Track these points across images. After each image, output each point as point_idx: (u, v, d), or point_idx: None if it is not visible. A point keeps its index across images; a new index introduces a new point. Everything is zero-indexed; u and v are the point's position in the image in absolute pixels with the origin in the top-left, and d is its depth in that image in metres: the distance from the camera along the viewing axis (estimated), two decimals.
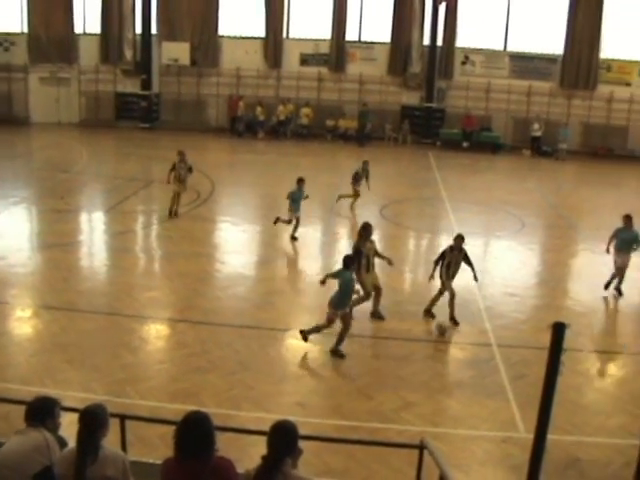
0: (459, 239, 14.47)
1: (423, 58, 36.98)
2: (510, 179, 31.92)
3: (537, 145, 36.87)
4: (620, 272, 16.32)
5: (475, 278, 14.63)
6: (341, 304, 12.67)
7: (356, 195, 22.86)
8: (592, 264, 19.44)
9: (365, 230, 14.21)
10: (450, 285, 14.26)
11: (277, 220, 19.44)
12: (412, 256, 20.16)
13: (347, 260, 12.86)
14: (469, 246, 19.70)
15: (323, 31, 37.54)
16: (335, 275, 13.00)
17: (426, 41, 36.95)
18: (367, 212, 21.90)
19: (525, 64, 37.59)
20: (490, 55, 37.58)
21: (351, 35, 37.75)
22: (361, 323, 13.94)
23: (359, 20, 37.67)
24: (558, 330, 5.94)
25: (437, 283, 14.58)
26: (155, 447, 8.73)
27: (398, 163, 32.73)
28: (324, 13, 37.23)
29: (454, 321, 14.18)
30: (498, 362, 12.80)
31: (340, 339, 12.67)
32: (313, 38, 37.97)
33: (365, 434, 9.97)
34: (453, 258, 14.36)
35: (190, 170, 21.02)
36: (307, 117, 37.06)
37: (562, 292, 17.16)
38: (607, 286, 16.46)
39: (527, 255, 20.06)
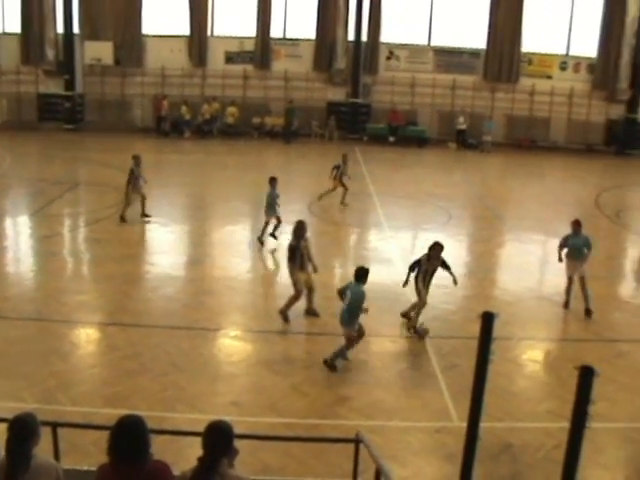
0: (439, 248, 13.88)
1: (348, 54, 37.14)
2: (436, 172, 32.32)
3: (462, 138, 37.40)
4: (571, 281, 15.41)
5: (454, 282, 14.14)
6: (352, 320, 12.25)
7: (334, 188, 23.22)
8: (519, 254, 19.86)
9: (300, 228, 14.15)
10: (425, 295, 13.90)
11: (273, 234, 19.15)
12: (342, 251, 20.26)
13: (359, 272, 12.21)
14: (397, 240, 20.10)
15: (248, 28, 37.41)
16: (345, 291, 12.32)
17: (351, 37, 37.09)
18: (295, 209, 21.94)
19: (449, 58, 38.08)
20: (414, 50, 37.96)
21: (276, 32, 37.70)
22: (293, 320, 13.98)
23: (284, 17, 37.64)
24: (487, 320, 6.06)
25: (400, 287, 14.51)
26: (89, 454, 8.61)
27: (325, 159, 32.66)
28: (249, 10, 37.09)
29: (414, 330, 13.81)
30: (429, 353, 12.97)
31: (339, 353, 12.25)
32: (238, 36, 37.80)
33: (301, 430, 10.01)
34: (430, 267, 13.92)
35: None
36: (232, 116, 36.90)
37: (490, 282, 17.46)
38: (566, 305, 15.54)
39: (455, 246, 20.31)
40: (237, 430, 5.48)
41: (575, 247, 15.33)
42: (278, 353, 12.70)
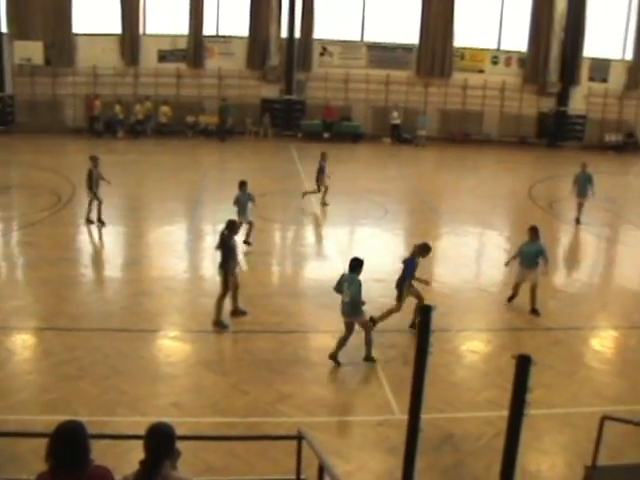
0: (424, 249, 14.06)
1: (281, 51, 37.06)
2: (372, 167, 32.50)
3: (397, 133, 37.65)
4: (517, 288, 15.41)
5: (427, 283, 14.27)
6: (357, 310, 12.33)
7: (325, 188, 23.22)
8: (455, 246, 20.09)
9: (234, 226, 14.09)
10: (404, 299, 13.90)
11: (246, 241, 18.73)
12: (279, 249, 20.26)
13: (356, 263, 12.37)
14: (334, 235, 20.16)
15: (180, 26, 37.03)
16: (342, 283, 12.41)
17: (284, 34, 37.02)
18: (230, 206, 21.85)
19: (382, 54, 38.26)
20: (348, 46, 38.07)
21: (209, 30, 37.37)
22: (233, 319, 13.94)
23: (216, 14, 37.33)
24: (425, 312, 6.10)
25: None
26: (27, 463, 8.42)
27: (260, 157, 32.73)
28: (181, 8, 36.69)
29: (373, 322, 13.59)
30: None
31: (369, 345, 12.38)
32: (170, 34, 37.41)
33: (243, 429, 9.99)
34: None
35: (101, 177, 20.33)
36: (165, 115, 36.49)
37: (428, 275, 17.52)
38: (510, 299, 15.56)
39: (392, 241, 20.48)
40: (179, 431, 5.44)
41: (527, 254, 15.15)
42: (217, 352, 12.67)
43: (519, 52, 39.28)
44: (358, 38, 38.21)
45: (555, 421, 11.06)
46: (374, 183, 27.17)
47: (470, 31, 38.33)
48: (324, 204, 23.15)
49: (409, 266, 13.83)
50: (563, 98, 39.45)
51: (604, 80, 40.15)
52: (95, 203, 20.21)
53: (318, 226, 20.89)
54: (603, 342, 14.59)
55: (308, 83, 37.86)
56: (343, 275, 12.54)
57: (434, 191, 27.51)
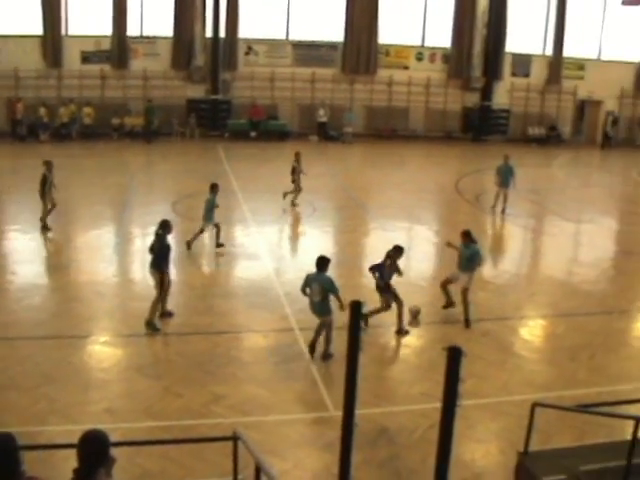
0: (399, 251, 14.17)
1: (206, 51, 36.79)
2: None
3: (323, 130, 37.75)
4: (447, 282, 15.06)
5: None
6: (326, 308, 12.35)
7: (299, 189, 23.26)
8: (384, 242, 20.14)
9: (167, 226, 13.96)
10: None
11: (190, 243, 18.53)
12: (209, 250, 20.10)
13: (322, 261, 12.49)
14: (263, 234, 20.13)
15: (104, 27, 36.38)
16: (310, 283, 12.48)
17: (209, 33, 36.75)
18: (159, 209, 21.66)
19: (307, 52, 38.31)
20: (273, 45, 38.01)
21: (133, 30, 36.80)
22: (162, 321, 13.83)
23: (140, 15, 36.81)
24: (355, 308, 6.14)
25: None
26: None
27: (187, 157, 32.46)
28: (104, 8, 36.05)
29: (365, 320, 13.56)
30: (301, 345, 13.06)
31: (328, 344, 12.45)
32: (94, 35, 36.75)
33: (178, 432, 9.90)
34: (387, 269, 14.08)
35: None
36: (89, 116, 35.86)
37: (357, 271, 17.68)
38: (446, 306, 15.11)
39: (321, 238, 20.55)
40: (113, 437, 5.37)
41: (463, 258, 14.75)
42: (149, 356, 12.53)
43: (443, 48, 39.81)
44: (283, 37, 38.19)
45: (487, 410, 11.24)
46: (302, 181, 27.13)
47: (394, 28, 38.67)
48: (294, 204, 23.29)
49: (381, 272, 13.92)
50: (487, 93, 40.13)
51: (526, 75, 41.02)
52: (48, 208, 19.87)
53: (247, 226, 20.81)
54: (532, 331, 14.89)
55: (234, 82, 37.68)
56: (308, 275, 12.61)
57: (362, 187, 27.65)
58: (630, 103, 42.46)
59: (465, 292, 14.56)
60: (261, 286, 15.94)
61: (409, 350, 13.51)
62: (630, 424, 7.05)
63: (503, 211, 23.16)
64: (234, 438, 7.88)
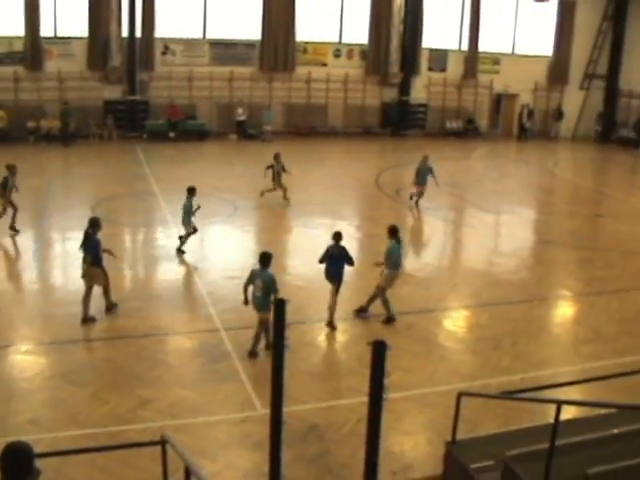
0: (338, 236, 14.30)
1: (123, 51, 36.21)
2: (219, 165, 32.30)
3: (243, 129, 37.58)
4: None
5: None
6: (268, 305, 12.16)
7: (275, 189, 23.45)
8: (306, 239, 20.32)
9: (97, 224, 14.08)
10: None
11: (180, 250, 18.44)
12: (130, 253, 19.87)
13: (266, 257, 12.65)
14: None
15: (16, 28, 35.39)
16: (254, 278, 12.60)
17: (124, 33, 36.16)
18: (78, 214, 21.29)
19: (225, 51, 38.04)
20: (190, 44, 37.62)
21: (46, 31, 35.87)
22: (86, 327, 13.61)
23: (54, 15, 35.90)
24: (279, 306, 6.15)
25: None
26: None
27: (105, 160, 31.95)
28: (15, 8, 35.07)
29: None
30: (227, 345, 13.02)
31: (256, 340, 12.58)
32: (5, 36, 35.71)
33: (105, 440, 9.74)
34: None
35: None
36: (2, 120, 34.89)
37: (281, 269, 17.66)
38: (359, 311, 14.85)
39: (243, 237, 20.48)
40: (38, 448, 5.27)
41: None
42: (73, 363, 12.29)
43: (360, 45, 40.03)
44: (200, 36, 37.86)
45: (414, 402, 11.38)
46: (222, 181, 27.03)
47: (312, 25, 38.77)
48: (286, 198, 23.86)
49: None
50: (404, 88, 40.53)
51: (443, 70, 41.64)
52: (10, 212, 19.64)
53: (168, 227, 20.59)
54: (455, 322, 15.13)
55: (151, 83, 37.19)
56: (253, 271, 12.71)
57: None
58: (544, 96, 43.52)
59: (379, 290, 14.41)
60: (184, 287, 15.84)
61: (335, 346, 13.58)
62: (552, 408, 7.21)
63: (417, 203, 23.69)
64: (162, 442, 7.79)
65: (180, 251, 18.38)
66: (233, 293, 15.45)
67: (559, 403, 7.12)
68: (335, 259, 14.01)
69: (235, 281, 16.05)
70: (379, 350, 5.41)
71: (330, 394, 11.54)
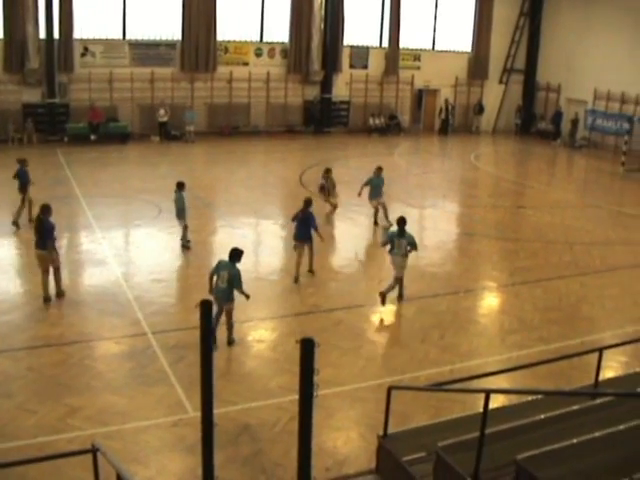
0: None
1: (41, 52, 35.46)
2: (142, 167, 31.88)
3: (165, 130, 37.21)
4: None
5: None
6: (232, 296, 13.09)
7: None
8: (232, 239, 20.16)
9: (48, 210, 15.05)
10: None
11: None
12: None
13: (235, 253, 13.16)
14: (109, 240, 19.68)
15: None
16: (219, 269, 13.11)
17: (42, 34, 35.40)
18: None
19: (145, 51, 37.57)
20: (110, 45, 37.00)
21: None
22: (10, 336, 13.32)
23: None
24: (205, 308, 6.12)
25: None
26: None
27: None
28: None
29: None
30: (156, 349, 12.92)
31: (230, 330, 13.17)
32: None
33: (34, 451, 9.55)
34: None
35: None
36: None
37: (207, 270, 17.56)
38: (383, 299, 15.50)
39: (168, 240, 20.28)
40: None
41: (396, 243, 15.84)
42: None
43: (282, 43, 40.00)
44: (120, 36, 37.33)
45: (346, 397, 11.45)
46: (145, 183, 26.73)
47: (232, 25, 38.61)
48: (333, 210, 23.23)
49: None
50: (326, 85, 40.64)
51: (364, 67, 41.86)
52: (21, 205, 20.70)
53: (92, 231, 20.27)
54: (383, 317, 15.27)
55: (71, 85, 36.53)
56: (220, 261, 13.22)
57: (207, 186, 27.45)
58: (465, 91, 44.18)
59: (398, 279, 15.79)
60: (110, 292, 15.61)
61: (264, 345, 13.57)
62: (481, 397, 7.33)
63: (390, 222, 21.50)
64: (93, 450, 7.70)
65: (185, 246, 19.18)
66: (160, 295, 15.39)
67: (487, 392, 7.25)
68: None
69: (161, 284, 15.98)
70: (307, 347, 5.43)
71: (261, 393, 11.53)
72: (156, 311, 14.57)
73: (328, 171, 23.07)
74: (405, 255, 15.67)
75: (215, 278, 13.12)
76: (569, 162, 38.80)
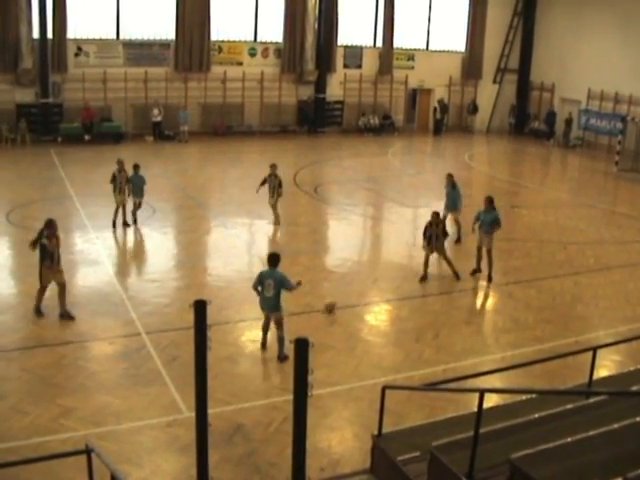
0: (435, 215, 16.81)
1: (34, 52, 35.38)
2: None
3: (159, 130, 37.17)
4: (480, 253, 17.54)
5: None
6: (277, 306, 12.71)
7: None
8: (225, 239, 20.27)
9: (50, 226, 14.25)
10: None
11: None
12: None
13: (274, 258, 12.75)
14: (102, 240, 19.66)
15: None
16: (263, 279, 12.67)
17: (36, 34, 35.34)
18: None
19: (139, 51, 37.53)
20: (103, 45, 36.94)
21: None
22: (0, 337, 13.28)
23: None
24: (199, 308, 6.11)
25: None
26: None
27: (19, 165, 31.20)
28: None
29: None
30: (149, 349, 12.90)
31: (281, 344, 12.66)
32: None
33: (28, 452, 9.52)
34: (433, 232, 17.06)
35: (128, 181, 20.45)
36: None
37: (201, 270, 17.61)
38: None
39: (162, 239, 20.27)
40: None
41: (485, 222, 17.35)
42: None
43: (275, 43, 40.00)
44: (114, 36, 37.28)
45: (340, 397, 11.45)
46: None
47: (226, 24, 38.61)
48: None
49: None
50: (320, 85, 40.64)
51: (358, 66, 41.87)
52: (129, 206, 20.97)
53: (86, 232, 20.23)
54: (377, 316, 15.28)
55: (64, 85, 36.46)
56: (262, 272, 12.81)
57: (200, 186, 27.45)
58: (459, 91, 44.22)
59: (490, 252, 17.29)
60: (104, 292, 15.58)
61: (258, 344, 13.52)
62: (475, 396, 7.33)
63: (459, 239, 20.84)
64: (87, 451, 7.67)
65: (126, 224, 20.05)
66: (154, 296, 15.36)
67: (482, 392, 7.25)
68: None
69: (155, 284, 15.95)
70: (302, 347, 5.42)
71: (255, 393, 11.52)
72: (150, 311, 14.55)
73: (273, 166, 21.80)
74: (489, 232, 17.13)
75: (260, 289, 12.78)
76: (563, 162, 38.86)
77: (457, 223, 20.63)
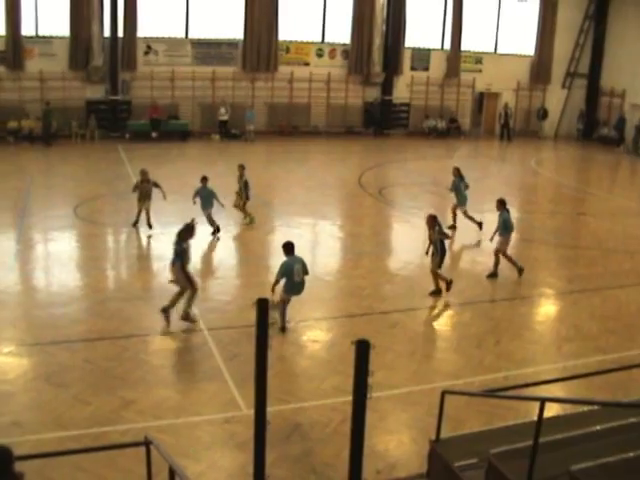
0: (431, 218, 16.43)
1: (105, 50, 36.02)
2: (201, 165, 31.97)
3: (225, 129, 37.52)
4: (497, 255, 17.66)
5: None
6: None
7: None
8: (288, 238, 20.16)
9: (188, 231, 14.24)
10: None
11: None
12: (112, 253, 19.79)
13: (290, 246, 13.68)
14: (167, 235, 19.74)
15: None
16: (291, 266, 13.47)
17: (107, 33, 35.97)
18: (60, 213, 21.25)
19: (207, 50, 37.97)
20: (172, 43, 37.50)
21: (27, 30, 35.53)
22: (65, 327, 13.52)
23: (35, 14, 35.54)
24: (262, 306, 6.13)
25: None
26: None
27: (88, 160, 31.80)
28: None
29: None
30: (211, 346, 12.98)
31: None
32: None
33: (88, 441, 9.68)
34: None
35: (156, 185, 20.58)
36: None
37: (263, 269, 17.64)
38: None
39: (225, 237, 20.40)
40: (22, 450, 5.24)
41: (500, 224, 17.60)
42: (56, 364, 12.21)
43: (343, 44, 40.07)
44: (183, 35, 37.76)
45: (398, 401, 11.38)
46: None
47: (294, 25, 38.80)
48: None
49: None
50: (387, 87, 40.62)
51: (425, 69, 41.73)
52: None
53: (150, 228, 20.47)
54: (438, 320, 15.18)
55: (133, 82, 37.08)
56: (286, 262, 13.55)
57: (265, 185, 27.54)
58: (526, 95, 43.71)
59: (497, 253, 17.49)
60: (167, 287, 15.73)
61: (318, 345, 13.55)
62: (536, 405, 7.22)
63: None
64: (146, 443, 7.76)
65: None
66: (216, 292, 15.48)
67: (543, 401, 7.14)
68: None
69: (218, 281, 16.04)
70: (362, 349, 5.41)
71: (313, 393, 11.51)
72: (212, 308, 14.65)
73: (241, 167, 21.67)
74: (501, 234, 17.45)
75: (284, 279, 13.36)
76: (632, 169, 38.11)
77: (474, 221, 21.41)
